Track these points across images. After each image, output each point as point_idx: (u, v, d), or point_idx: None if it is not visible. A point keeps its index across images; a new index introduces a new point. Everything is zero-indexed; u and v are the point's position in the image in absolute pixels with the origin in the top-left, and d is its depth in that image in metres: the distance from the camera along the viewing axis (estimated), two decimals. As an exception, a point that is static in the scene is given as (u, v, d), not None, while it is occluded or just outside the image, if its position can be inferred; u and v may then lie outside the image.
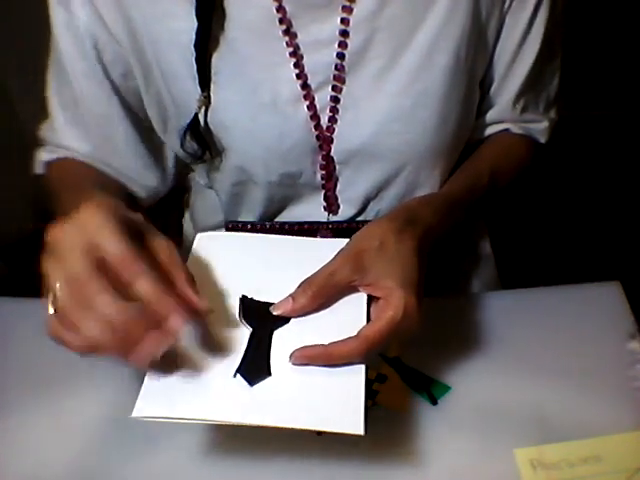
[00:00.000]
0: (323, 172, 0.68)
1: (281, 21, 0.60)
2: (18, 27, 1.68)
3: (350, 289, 0.52)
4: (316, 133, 0.65)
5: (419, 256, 0.53)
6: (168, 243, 0.48)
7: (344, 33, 0.61)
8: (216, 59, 0.62)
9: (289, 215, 0.72)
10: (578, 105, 1.81)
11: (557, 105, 0.75)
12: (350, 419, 0.46)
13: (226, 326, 0.51)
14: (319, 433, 0.57)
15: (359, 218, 0.71)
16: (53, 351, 0.65)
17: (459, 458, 0.56)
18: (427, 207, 0.60)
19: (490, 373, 0.62)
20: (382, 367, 0.63)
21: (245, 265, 0.55)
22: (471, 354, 0.64)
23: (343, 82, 0.63)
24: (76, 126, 0.68)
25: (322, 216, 0.71)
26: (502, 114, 0.72)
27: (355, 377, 0.48)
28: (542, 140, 0.75)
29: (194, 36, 0.59)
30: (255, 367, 0.49)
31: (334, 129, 0.65)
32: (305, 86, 0.63)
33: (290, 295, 0.51)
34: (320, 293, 0.51)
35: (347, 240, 0.54)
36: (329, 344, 0.48)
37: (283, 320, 0.51)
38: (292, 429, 0.46)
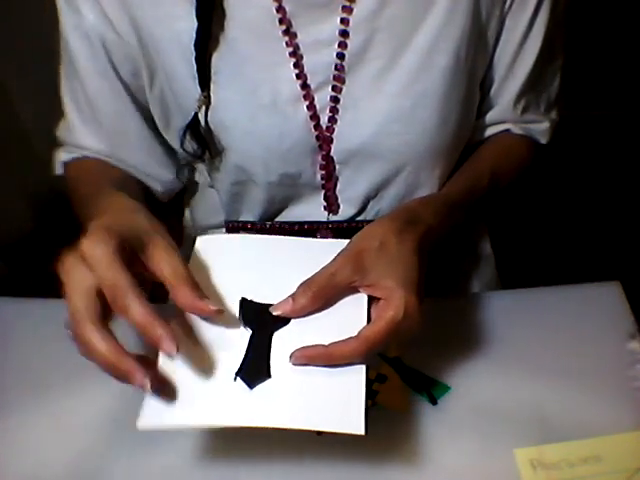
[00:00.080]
0: (323, 172, 0.68)
1: (281, 21, 0.60)
2: (18, 27, 1.68)
3: (350, 290, 0.52)
4: (316, 133, 0.65)
5: (419, 256, 0.53)
6: (169, 253, 0.48)
7: (344, 33, 0.61)
8: (216, 59, 0.62)
9: (289, 215, 0.72)
10: (578, 105, 1.81)
11: (558, 105, 0.75)
12: (351, 419, 0.46)
13: (226, 329, 0.50)
14: (319, 433, 0.57)
15: (359, 218, 0.71)
16: (53, 351, 0.66)
17: (459, 458, 0.56)
18: (427, 208, 0.60)
19: (490, 373, 0.62)
20: (382, 367, 0.63)
21: (245, 267, 0.55)
22: (471, 354, 0.64)
23: (343, 82, 0.63)
24: (91, 125, 0.68)
25: (322, 216, 0.71)
26: (503, 115, 0.72)
27: (356, 377, 0.48)
28: (543, 141, 0.75)
29: (194, 36, 0.59)
30: (255, 369, 0.49)
31: (334, 129, 0.65)
32: (305, 86, 0.63)
33: (290, 296, 0.51)
34: (320, 293, 0.51)
35: (347, 241, 0.54)
36: (329, 344, 0.48)
37: (283, 321, 0.51)
38: (292, 430, 0.46)
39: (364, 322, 0.51)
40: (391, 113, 0.63)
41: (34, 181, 1.87)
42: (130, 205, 0.55)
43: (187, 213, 0.86)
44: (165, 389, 0.47)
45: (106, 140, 0.69)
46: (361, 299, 0.52)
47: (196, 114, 0.63)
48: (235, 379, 0.48)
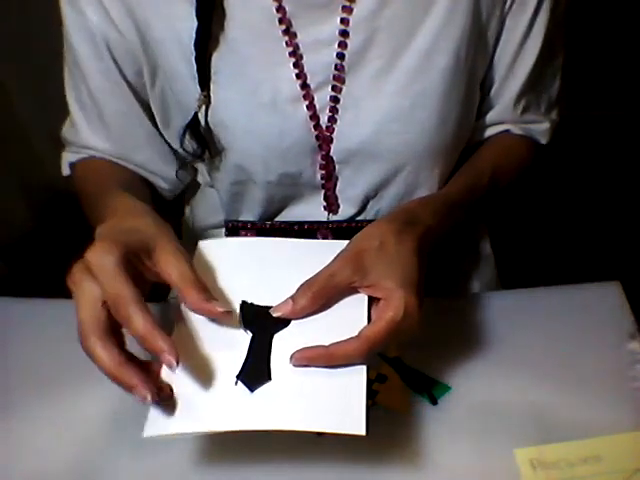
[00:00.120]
0: (323, 172, 0.68)
1: (281, 21, 0.60)
2: (18, 27, 1.68)
3: (350, 291, 0.52)
4: (316, 133, 0.65)
5: (419, 256, 0.53)
6: (176, 256, 0.49)
7: (344, 33, 0.61)
8: (216, 59, 0.62)
9: (289, 214, 0.72)
10: (578, 105, 1.81)
11: (559, 106, 0.75)
12: (352, 420, 0.46)
13: (227, 332, 0.51)
14: (319, 434, 0.57)
15: (359, 218, 0.71)
16: (54, 351, 0.66)
17: (459, 458, 0.56)
18: (427, 208, 0.60)
19: (490, 373, 0.62)
20: (382, 367, 0.63)
21: (245, 270, 0.55)
22: (471, 354, 0.64)
23: (343, 82, 0.63)
24: (96, 125, 0.68)
25: (322, 216, 0.71)
26: (503, 115, 0.72)
27: (356, 378, 0.48)
28: (543, 141, 0.75)
29: (194, 36, 0.59)
30: (255, 372, 0.49)
31: (334, 129, 0.65)
32: (305, 86, 0.63)
33: (290, 297, 0.51)
34: (320, 294, 0.51)
35: (347, 242, 0.54)
36: (329, 345, 0.48)
37: (283, 323, 0.51)
38: (293, 431, 0.46)
39: (364, 323, 0.51)
40: (390, 113, 0.63)
41: (34, 181, 1.88)
42: (137, 207, 0.56)
43: (187, 213, 0.86)
44: (167, 397, 0.47)
45: (112, 139, 0.69)
46: (361, 300, 0.52)
47: (196, 113, 0.63)
48: (236, 383, 0.48)
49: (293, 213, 0.72)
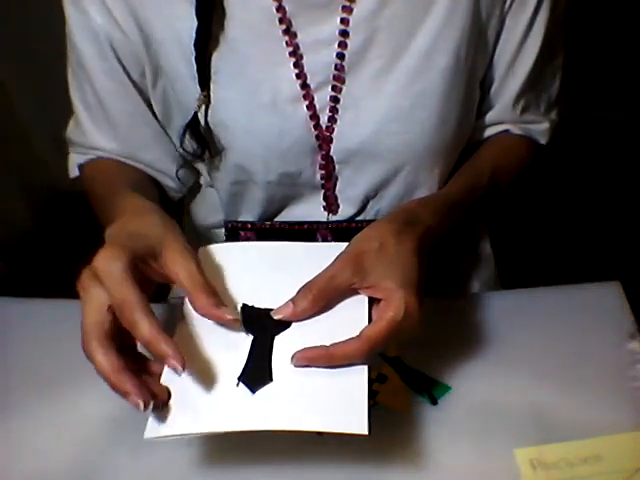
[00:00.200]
0: (322, 172, 0.68)
1: (281, 21, 0.60)
2: (18, 27, 1.68)
3: (350, 292, 0.52)
4: (315, 133, 0.65)
5: (419, 256, 0.53)
6: (185, 257, 0.49)
7: (344, 33, 0.61)
8: (216, 58, 0.62)
9: (289, 215, 0.72)
10: (578, 105, 1.81)
11: (558, 106, 0.75)
12: (354, 419, 0.46)
13: (228, 335, 0.51)
14: (319, 434, 0.57)
15: (359, 218, 0.71)
16: (54, 351, 0.66)
17: (459, 458, 0.56)
18: (426, 208, 0.60)
19: (490, 373, 0.62)
20: (382, 367, 0.63)
21: (246, 274, 0.55)
22: (471, 354, 0.64)
23: (343, 82, 0.63)
24: (102, 125, 0.68)
25: (322, 216, 0.71)
26: (502, 115, 0.72)
27: (358, 377, 0.48)
28: (542, 141, 0.75)
29: (194, 35, 0.59)
30: (257, 374, 0.49)
31: (333, 129, 0.65)
32: (305, 86, 0.63)
33: (290, 299, 0.51)
34: (320, 296, 0.51)
35: (346, 244, 0.54)
36: (330, 345, 0.48)
37: (284, 325, 0.51)
38: (295, 431, 0.46)
39: (365, 324, 0.51)
40: (390, 113, 0.63)
41: (34, 181, 1.88)
42: (145, 206, 0.56)
43: (187, 213, 0.86)
44: (163, 404, 0.47)
45: (119, 139, 0.69)
46: (362, 301, 0.52)
47: (196, 113, 0.63)
48: (237, 384, 0.48)
49: (293, 213, 0.72)
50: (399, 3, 0.60)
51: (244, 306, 0.53)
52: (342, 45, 0.61)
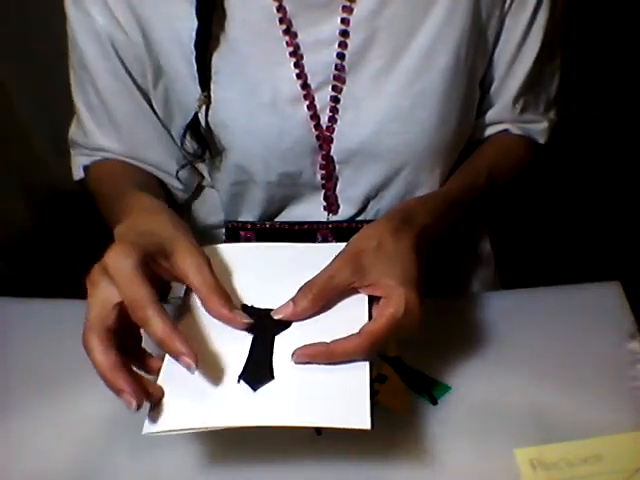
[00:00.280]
0: (323, 172, 0.68)
1: (281, 21, 0.60)
2: (18, 27, 1.68)
3: (350, 291, 0.52)
4: (316, 133, 0.65)
5: (417, 254, 0.53)
6: (196, 258, 0.50)
7: (344, 33, 0.61)
8: (216, 59, 0.62)
9: (289, 215, 0.72)
10: (578, 105, 1.82)
11: (557, 106, 0.75)
12: (356, 414, 0.46)
13: (228, 336, 0.51)
14: (319, 433, 0.57)
15: (359, 218, 0.71)
16: (54, 351, 0.66)
17: (459, 458, 0.56)
18: (424, 206, 0.60)
19: (490, 373, 0.62)
20: (382, 367, 0.63)
21: (245, 276, 0.55)
22: (471, 354, 0.64)
23: (343, 82, 0.63)
24: (106, 127, 0.68)
25: (322, 216, 0.71)
26: (501, 114, 0.72)
27: (359, 372, 0.48)
28: (541, 141, 0.75)
29: (194, 36, 0.59)
30: (258, 372, 0.48)
31: (334, 129, 0.65)
32: (305, 86, 0.63)
33: (291, 299, 0.51)
34: (320, 296, 0.51)
35: (344, 244, 0.54)
36: (331, 342, 0.48)
37: (284, 325, 0.51)
38: (297, 427, 0.45)
39: (365, 322, 0.51)
40: (390, 113, 0.63)
41: (34, 181, 1.88)
42: (153, 204, 0.56)
43: (187, 213, 0.86)
44: (156, 403, 0.47)
45: (123, 140, 0.69)
46: (362, 300, 0.52)
47: (196, 113, 0.63)
48: (238, 382, 0.48)
49: (293, 213, 0.72)
50: (399, 3, 0.60)
51: (244, 307, 0.53)
52: (342, 45, 0.61)
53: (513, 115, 0.72)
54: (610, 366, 0.63)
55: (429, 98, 0.63)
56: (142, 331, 0.49)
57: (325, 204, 0.71)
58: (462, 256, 0.84)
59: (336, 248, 0.53)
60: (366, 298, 0.52)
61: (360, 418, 0.45)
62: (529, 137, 0.75)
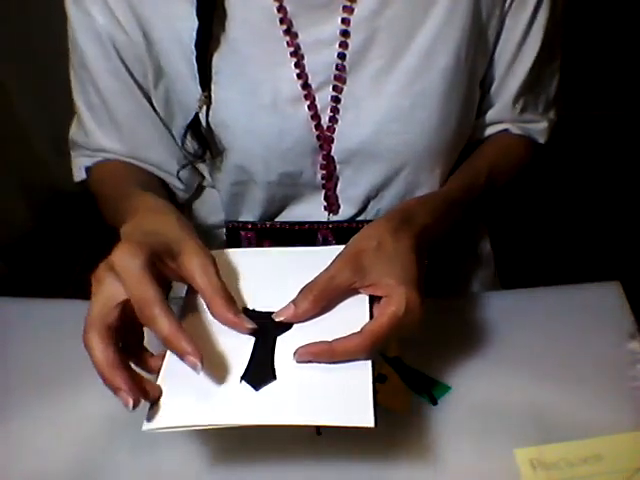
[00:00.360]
0: (323, 172, 0.68)
1: (282, 21, 0.60)
2: (18, 27, 1.68)
3: (351, 292, 0.52)
4: (316, 133, 0.65)
5: (417, 253, 0.53)
6: (202, 260, 0.49)
7: (345, 33, 0.61)
8: (217, 59, 0.62)
9: (289, 215, 0.72)
10: (578, 105, 1.82)
11: (556, 106, 0.75)
12: (359, 412, 0.46)
13: (230, 337, 0.50)
14: (319, 433, 0.57)
15: (359, 218, 0.72)
16: (54, 351, 0.66)
17: (459, 458, 0.56)
18: (424, 206, 0.60)
19: (490, 373, 0.62)
20: (382, 367, 0.63)
21: (247, 279, 0.55)
22: (471, 354, 0.64)
23: (344, 82, 0.63)
24: (107, 127, 0.68)
25: (322, 216, 0.71)
26: (501, 114, 0.72)
27: (362, 370, 0.48)
28: (541, 140, 0.75)
29: (195, 36, 0.59)
30: (260, 373, 0.48)
31: (334, 129, 0.65)
32: (306, 86, 0.63)
33: (292, 301, 0.51)
34: (321, 297, 0.51)
35: (344, 246, 0.54)
36: (333, 340, 0.48)
37: (286, 326, 0.51)
38: (298, 426, 0.45)
39: (366, 322, 0.51)
40: (390, 113, 0.63)
41: (34, 181, 1.88)
42: (159, 204, 0.56)
43: (187, 213, 0.86)
44: (153, 402, 0.47)
45: (124, 141, 0.69)
46: (362, 300, 0.52)
47: (197, 114, 0.63)
48: (240, 382, 0.48)
49: (293, 213, 0.72)
50: (400, 3, 0.60)
51: (245, 310, 0.53)
52: (343, 45, 0.61)
53: (513, 115, 0.72)
54: (610, 366, 0.63)
55: (429, 98, 0.63)
56: (145, 330, 0.49)
57: (325, 204, 0.71)
58: (462, 256, 0.84)
59: (336, 251, 0.53)
60: (367, 298, 0.52)
61: (363, 416, 0.45)
62: (529, 137, 0.75)
